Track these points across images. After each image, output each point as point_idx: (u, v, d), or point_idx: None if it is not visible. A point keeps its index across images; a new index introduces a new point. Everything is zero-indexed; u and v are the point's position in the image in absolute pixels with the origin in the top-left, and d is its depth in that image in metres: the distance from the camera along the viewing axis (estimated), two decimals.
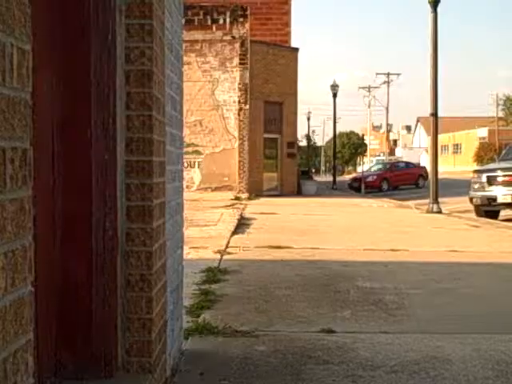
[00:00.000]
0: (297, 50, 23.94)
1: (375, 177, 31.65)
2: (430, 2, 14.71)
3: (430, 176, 16.54)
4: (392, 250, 7.45)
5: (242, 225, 10.66)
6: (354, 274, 5.80)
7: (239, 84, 20.17)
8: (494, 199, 13.33)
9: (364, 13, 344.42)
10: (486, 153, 51.94)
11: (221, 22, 20.08)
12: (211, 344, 3.50)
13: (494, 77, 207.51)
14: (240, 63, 20.21)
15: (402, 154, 76.52)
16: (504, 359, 3.27)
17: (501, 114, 63.25)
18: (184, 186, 3.44)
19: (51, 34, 1.97)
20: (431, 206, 14.83)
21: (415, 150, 77.30)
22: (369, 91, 52.40)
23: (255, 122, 21.11)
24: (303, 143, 69.97)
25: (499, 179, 13.45)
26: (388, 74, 55.94)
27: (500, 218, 13.51)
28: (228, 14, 20.05)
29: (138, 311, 2.23)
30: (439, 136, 17.25)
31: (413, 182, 32.47)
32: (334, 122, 34.64)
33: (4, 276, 1.02)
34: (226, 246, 7.68)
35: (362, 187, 27.56)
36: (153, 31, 2.21)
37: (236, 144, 20.37)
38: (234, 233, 9.33)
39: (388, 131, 66.73)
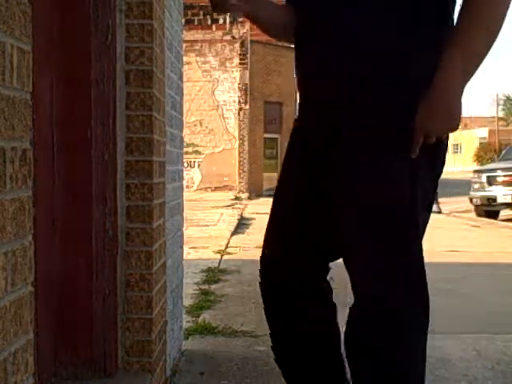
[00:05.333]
0: None
1: None
2: None
3: None
4: None
5: (242, 225, 10.66)
6: None
7: (239, 84, 20.17)
8: (494, 199, 13.32)
9: None
10: (486, 153, 51.91)
11: (221, 21, 20.08)
12: (211, 344, 3.50)
13: (493, 77, 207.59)
14: (240, 63, 20.21)
15: None
16: (504, 359, 3.27)
17: (501, 114, 63.26)
18: (184, 186, 3.44)
19: (51, 34, 1.97)
20: None
21: None
22: None
23: (255, 122, 21.11)
24: None
25: (499, 179, 13.45)
26: None
27: (500, 217, 13.51)
28: (228, 13, 20.05)
29: (138, 311, 2.23)
30: None
31: None
32: None
33: (4, 276, 1.02)
34: (226, 246, 7.68)
35: None
36: (153, 31, 2.21)
37: (236, 144, 20.37)
38: (234, 233, 9.33)
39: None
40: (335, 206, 1.66)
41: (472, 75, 1.61)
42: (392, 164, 1.60)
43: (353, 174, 1.62)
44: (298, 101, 1.86)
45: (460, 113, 1.60)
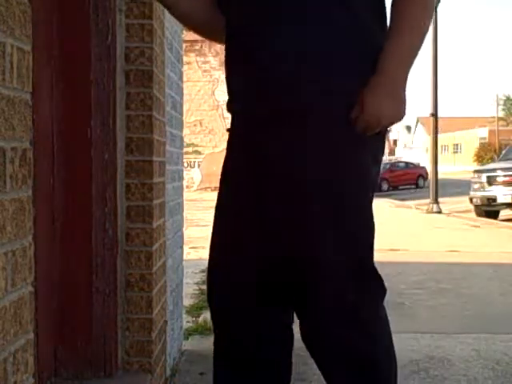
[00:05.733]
0: None
1: None
2: None
3: (430, 176, 16.55)
4: (392, 250, 7.44)
5: None
6: None
7: None
8: (494, 199, 13.33)
9: None
10: (486, 153, 51.92)
11: None
12: (211, 344, 3.49)
13: (494, 77, 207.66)
14: None
15: (402, 154, 76.42)
16: (504, 359, 3.27)
17: (501, 114, 63.23)
18: (184, 186, 3.44)
19: (51, 34, 1.97)
20: (431, 205, 14.84)
21: (415, 149, 77.30)
22: None
23: None
24: None
25: (499, 179, 13.45)
26: None
27: (500, 217, 13.51)
28: None
29: (137, 311, 2.23)
30: (439, 136, 17.26)
31: (413, 182, 32.44)
32: None
33: (4, 276, 1.02)
34: None
35: None
36: (153, 31, 2.21)
37: None
38: None
39: (388, 131, 66.62)
40: (284, 200, 1.62)
41: (409, 68, 1.65)
42: (342, 155, 1.60)
43: (301, 166, 1.60)
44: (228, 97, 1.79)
45: (404, 101, 1.62)
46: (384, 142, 1.74)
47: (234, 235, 1.73)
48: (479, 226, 11.50)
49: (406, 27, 1.64)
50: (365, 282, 1.67)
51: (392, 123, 1.65)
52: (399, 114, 1.62)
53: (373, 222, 1.71)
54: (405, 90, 1.64)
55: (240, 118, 1.74)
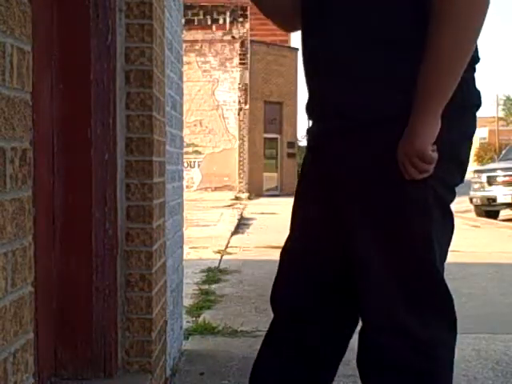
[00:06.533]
0: (297, 49, 23.92)
1: None
2: None
3: None
4: None
5: (241, 225, 10.66)
6: None
7: (239, 84, 20.17)
8: (494, 199, 13.32)
9: None
10: (486, 153, 51.87)
11: (221, 21, 20.09)
12: (211, 344, 3.50)
13: (494, 77, 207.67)
14: (240, 63, 20.22)
15: None
16: (504, 359, 3.27)
17: (501, 114, 63.18)
18: (184, 186, 3.44)
19: (51, 34, 1.97)
20: None
21: None
22: None
23: (255, 122, 21.11)
24: (303, 143, 69.95)
25: (499, 179, 13.44)
26: None
27: (500, 217, 13.51)
28: (228, 13, 20.06)
29: (138, 311, 2.23)
30: None
31: None
32: None
33: (4, 276, 1.02)
34: (226, 246, 7.68)
35: None
36: (153, 31, 2.21)
37: (236, 144, 20.38)
38: (234, 233, 9.34)
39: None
40: (353, 237, 1.64)
41: (449, 93, 1.53)
42: (403, 193, 1.58)
43: (366, 207, 1.61)
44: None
45: (427, 133, 1.50)
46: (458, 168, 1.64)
47: (307, 233, 1.81)
48: (479, 226, 11.51)
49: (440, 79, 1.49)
50: (422, 302, 1.64)
51: (406, 155, 1.53)
52: (412, 146, 1.51)
53: (437, 245, 1.65)
54: (431, 125, 1.50)
55: (312, 122, 1.78)
